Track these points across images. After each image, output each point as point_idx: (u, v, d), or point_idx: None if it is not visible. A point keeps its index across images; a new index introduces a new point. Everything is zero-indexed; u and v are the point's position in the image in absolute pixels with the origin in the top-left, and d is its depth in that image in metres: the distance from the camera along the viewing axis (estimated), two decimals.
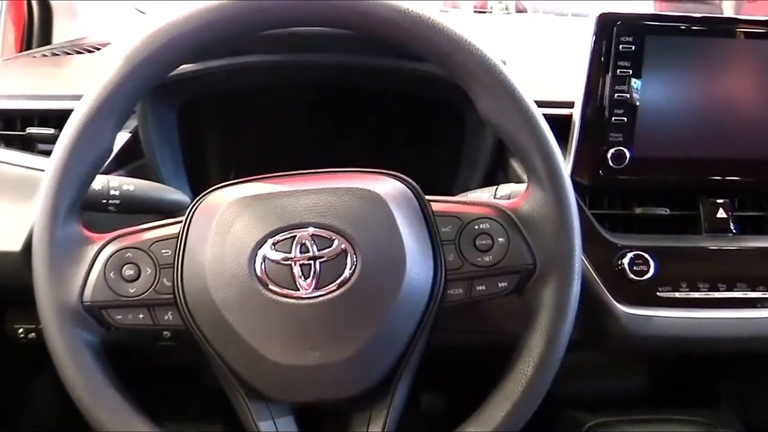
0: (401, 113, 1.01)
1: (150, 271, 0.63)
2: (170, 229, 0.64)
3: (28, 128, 0.90)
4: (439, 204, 0.66)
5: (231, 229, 0.61)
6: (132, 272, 0.62)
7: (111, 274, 0.62)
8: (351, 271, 0.60)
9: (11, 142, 0.94)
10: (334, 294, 0.60)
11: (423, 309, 0.63)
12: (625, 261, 0.83)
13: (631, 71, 0.82)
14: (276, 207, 0.62)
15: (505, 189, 0.77)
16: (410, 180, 0.66)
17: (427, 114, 0.99)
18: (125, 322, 0.63)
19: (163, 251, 0.63)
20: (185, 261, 0.62)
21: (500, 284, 0.65)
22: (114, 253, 0.63)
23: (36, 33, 1.29)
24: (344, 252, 0.60)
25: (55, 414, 1.20)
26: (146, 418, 0.63)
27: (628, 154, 0.84)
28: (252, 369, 0.62)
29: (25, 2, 1.29)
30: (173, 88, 0.89)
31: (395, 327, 0.62)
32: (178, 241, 0.63)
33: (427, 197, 0.66)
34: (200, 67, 0.86)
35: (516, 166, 0.88)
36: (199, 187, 0.65)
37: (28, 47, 1.32)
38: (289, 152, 1.01)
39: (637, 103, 0.83)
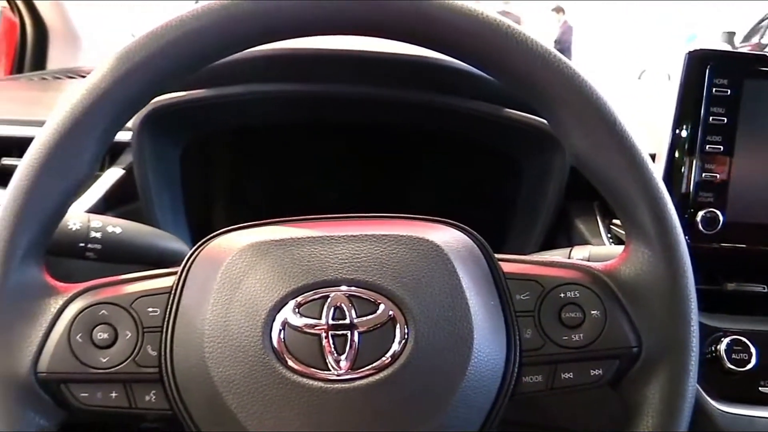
0: (442, 158, 0.89)
1: (130, 335, 0.48)
2: (161, 281, 0.50)
3: (3, 158, 0.77)
4: (511, 264, 0.52)
5: (241, 285, 0.47)
6: (106, 336, 0.48)
7: (78, 337, 0.48)
8: (400, 348, 0.46)
9: None
10: (377, 377, 0.45)
11: (492, 399, 0.48)
12: (722, 347, 0.69)
13: (725, 119, 0.71)
14: (303, 257, 0.47)
15: (581, 251, 0.64)
16: (473, 231, 0.52)
17: (474, 161, 0.87)
18: (92, 403, 0.48)
19: (150, 310, 0.49)
20: (177, 324, 0.48)
21: (593, 372, 0.50)
22: (84, 310, 0.48)
23: (28, 58, 1.18)
24: (392, 321, 0.46)
25: None
26: None
27: (721, 218, 0.71)
28: None
29: (18, 25, 1.18)
30: (179, 120, 0.77)
31: (457, 421, 0.47)
32: (170, 297, 0.49)
33: (496, 255, 0.51)
34: (211, 94, 0.74)
35: (583, 228, 0.75)
36: (201, 236, 0.52)
37: (19, 72, 1.20)
38: (311, 200, 0.88)
39: (733, 157, 0.71)
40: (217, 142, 0.86)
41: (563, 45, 8.13)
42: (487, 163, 0.86)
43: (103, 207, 0.75)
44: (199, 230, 0.82)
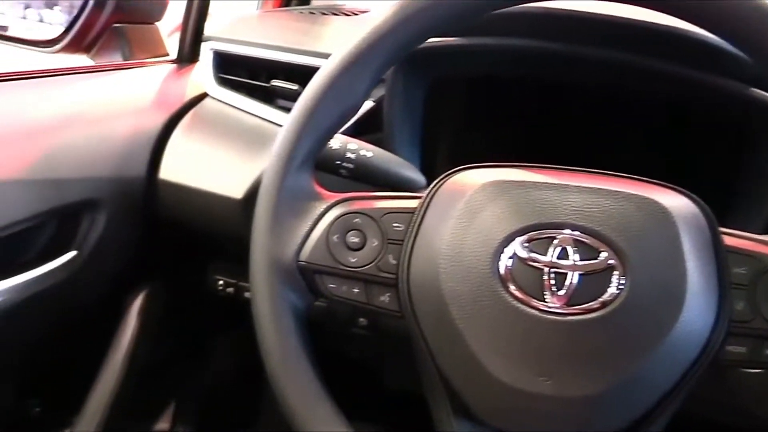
0: (672, 128, 0.88)
1: (376, 243, 0.56)
2: (408, 202, 0.57)
3: (272, 80, 0.88)
4: (734, 239, 0.53)
5: (480, 215, 0.53)
6: (357, 240, 0.56)
7: (334, 238, 0.56)
8: (615, 294, 0.49)
9: (253, 93, 0.93)
10: (589, 316, 0.49)
11: (693, 359, 0.51)
12: None
13: None
14: (537, 199, 0.52)
15: None
16: (702, 201, 0.53)
17: (701, 134, 0.85)
18: (337, 294, 0.57)
19: (395, 225, 0.56)
20: (417, 240, 0.55)
21: None
22: (341, 216, 0.57)
23: None
24: (611, 268, 0.50)
25: (232, 375, 1.19)
26: (333, 402, 0.56)
27: None
28: (467, 380, 0.53)
29: None
30: (429, 64, 0.83)
31: (654, 373, 0.50)
32: (414, 216, 0.56)
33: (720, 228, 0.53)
34: (463, 42, 0.79)
35: None
36: (426, 171, 0.58)
37: (287, 5, 1.33)
38: (528, 150, 0.92)
39: None
40: (455, 88, 0.91)
41: None
42: (719, 139, 0.85)
43: (351, 132, 0.81)
44: (426, 164, 0.88)
